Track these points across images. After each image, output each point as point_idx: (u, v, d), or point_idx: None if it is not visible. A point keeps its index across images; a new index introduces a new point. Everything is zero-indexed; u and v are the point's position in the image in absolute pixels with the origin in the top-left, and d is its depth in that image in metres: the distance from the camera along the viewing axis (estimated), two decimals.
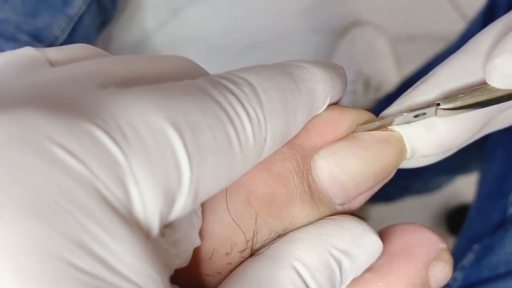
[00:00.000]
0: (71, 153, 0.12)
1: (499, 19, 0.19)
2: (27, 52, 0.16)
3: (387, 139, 0.18)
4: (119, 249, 0.12)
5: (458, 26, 0.74)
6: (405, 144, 0.19)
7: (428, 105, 0.18)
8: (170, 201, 0.13)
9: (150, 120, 0.13)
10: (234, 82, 0.15)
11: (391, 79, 0.90)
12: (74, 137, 0.12)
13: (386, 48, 0.92)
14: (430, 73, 0.19)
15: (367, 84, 0.89)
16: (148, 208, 0.13)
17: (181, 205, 0.14)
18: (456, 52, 0.19)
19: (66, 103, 0.13)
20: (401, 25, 0.94)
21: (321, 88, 0.17)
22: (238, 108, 0.15)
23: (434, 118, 0.18)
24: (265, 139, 0.16)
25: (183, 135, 0.13)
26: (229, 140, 0.14)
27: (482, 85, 0.17)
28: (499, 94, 0.17)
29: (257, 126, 0.15)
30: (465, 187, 0.79)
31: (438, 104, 0.17)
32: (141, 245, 0.12)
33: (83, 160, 0.12)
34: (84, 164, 0.12)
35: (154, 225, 0.13)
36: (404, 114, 0.18)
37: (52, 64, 0.16)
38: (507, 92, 0.17)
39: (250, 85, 0.16)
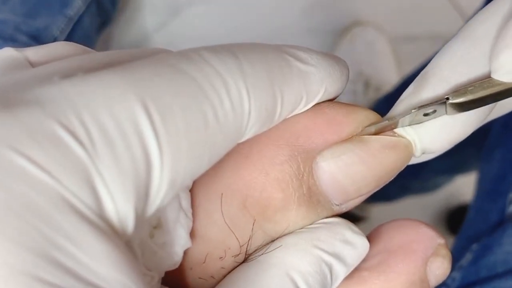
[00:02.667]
0: (33, 161, 0.11)
1: (492, 3, 0.18)
2: (6, 52, 0.16)
3: (394, 146, 0.18)
4: (86, 259, 0.12)
5: (458, 26, 0.73)
6: (412, 149, 0.18)
7: (437, 100, 0.17)
8: (143, 194, 0.13)
9: (115, 109, 0.13)
10: (214, 52, 0.15)
11: (391, 79, 0.90)
12: (35, 143, 0.12)
13: (386, 48, 0.92)
14: (429, 66, 0.18)
15: (367, 84, 0.89)
16: (120, 207, 0.13)
17: (157, 196, 0.13)
18: (452, 40, 0.18)
19: (28, 102, 0.12)
20: (401, 25, 0.94)
21: (315, 71, 0.17)
22: (215, 82, 0.14)
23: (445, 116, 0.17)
24: (249, 113, 0.15)
25: (152, 122, 0.13)
26: (205, 120, 0.14)
27: (491, 78, 0.17)
28: (510, 85, 0.16)
29: (238, 98, 0.15)
30: (465, 187, 0.79)
31: (448, 99, 0.17)
32: (112, 251, 0.12)
33: (47, 169, 0.12)
34: (49, 173, 0.12)
35: (129, 223, 0.13)
36: (413, 111, 0.17)
37: (32, 64, 0.16)
38: None
39: (234, 55, 0.15)
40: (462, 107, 0.17)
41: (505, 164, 0.45)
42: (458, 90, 0.17)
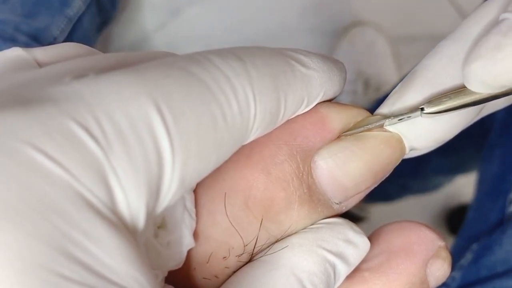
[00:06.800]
0: (48, 156, 0.12)
1: (484, 4, 0.18)
2: (14, 52, 0.16)
3: (387, 141, 0.18)
4: (101, 253, 0.12)
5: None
6: (404, 144, 0.18)
7: (412, 110, 0.18)
8: (154, 192, 0.13)
9: (128, 108, 0.13)
10: (222, 56, 0.15)
11: (391, 79, 0.90)
12: (50, 138, 0.12)
13: (386, 48, 0.92)
14: (418, 66, 0.19)
15: (367, 84, 0.89)
16: (132, 204, 0.13)
17: (167, 194, 0.14)
18: (443, 41, 0.19)
19: (42, 100, 0.12)
20: (401, 25, 0.94)
21: (316, 75, 0.17)
22: (224, 85, 0.14)
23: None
24: (254, 116, 0.15)
25: (165, 121, 0.13)
26: (214, 121, 0.14)
27: (466, 88, 0.17)
28: (483, 96, 0.17)
29: (245, 102, 0.15)
30: (465, 187, 0.79)
31: (422, 109, 0.17)
32: (125, 246, 0.12)
33: (61, 163, 0.12)
34: (63, 166, 0.12)
35: (140, 219, 0.13)
36: (387, 120, 0.18)
37: (40, 64, 0.16)
38: (491, 94, 0.17)
39: (240, 60, 0.15)
40: (436, 113, 0.18)
41: (505, 164, 0.45)
42: (433, 100, 0.17)
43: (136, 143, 0.13)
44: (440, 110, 0.17)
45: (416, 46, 0.93)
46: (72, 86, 0.13)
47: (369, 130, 0.18)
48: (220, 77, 0.14)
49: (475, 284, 0.41)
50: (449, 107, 0.17)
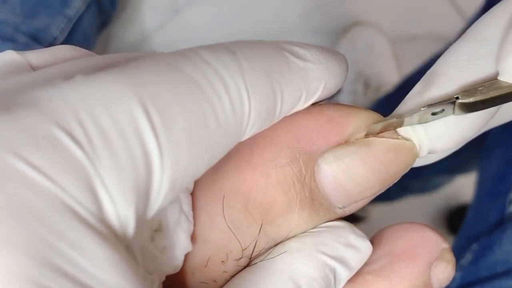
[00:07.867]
0: (32, 165, 0.11)
1: (499, 4, 0.18)
2: (8, 55, 0.15)
3: (397, 148, 0.17)
4: (88, 264, 0.12)
5: (458, 26, 0.73)
6: (416, 152, 0.18)
7: (447, 99, 0.17)
8: (143, 196, 0.13)
9: (114, 109, 0.12)
10: (211, 50, 0.15)
11: (391, 79, 0.90)
12: (36, 147, 0.11)
13: (386, 48, 0.92)
14: (436, 66, 0.18)
15: (367, 84, 0.89)
16: (120, 210, 0.12)
17: (158, 197, 0.13)
18: (459, 41, 0.18)
19: (26, 105, 0.12)
20: (401, 25, 0.94)
21: (314, 68, 0.16)
22: (214, 80, 0.14)
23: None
24: (249, 113, 0.15)
25: (152, 122, 0.13)
26: (205, 119, 0.14)
27: (497, 80, 0.17)
28: None
29: (237, 97, 0.14)
30: (464, 187, 0.79)
31: (457, 98, 0.17)
32: (114, 256, 0.12)
33: (47, 173, 0.11)
34: (47, 175, 0.11)
35: (130, 226, 0.13)
36: (422, 109, 0.17)
37: (34, 67, 0.15)
38: None
39: (231, 52, 0.15)
40: (470, 107, 0.17)
41: (504, 164, 0.45)
42: (468, 90, 0.17)
43: (122, 147, 0.12)
44: (476, 100, 0.16)
45: (416, 46, 0.93)
46: (58, 88, 0.13)
47: (389, 127, 0.17)
48: (209, 72, 0.14)
49: (475, 284, 0.41)
50: (485, 97, 0.16)
